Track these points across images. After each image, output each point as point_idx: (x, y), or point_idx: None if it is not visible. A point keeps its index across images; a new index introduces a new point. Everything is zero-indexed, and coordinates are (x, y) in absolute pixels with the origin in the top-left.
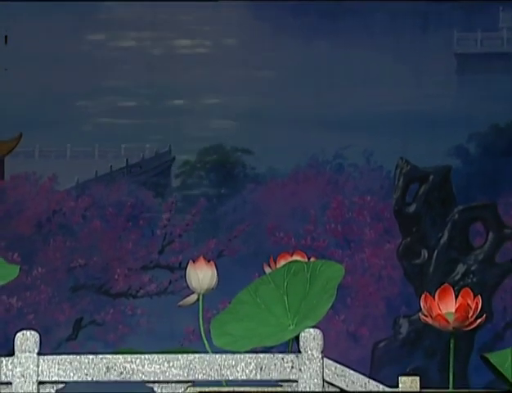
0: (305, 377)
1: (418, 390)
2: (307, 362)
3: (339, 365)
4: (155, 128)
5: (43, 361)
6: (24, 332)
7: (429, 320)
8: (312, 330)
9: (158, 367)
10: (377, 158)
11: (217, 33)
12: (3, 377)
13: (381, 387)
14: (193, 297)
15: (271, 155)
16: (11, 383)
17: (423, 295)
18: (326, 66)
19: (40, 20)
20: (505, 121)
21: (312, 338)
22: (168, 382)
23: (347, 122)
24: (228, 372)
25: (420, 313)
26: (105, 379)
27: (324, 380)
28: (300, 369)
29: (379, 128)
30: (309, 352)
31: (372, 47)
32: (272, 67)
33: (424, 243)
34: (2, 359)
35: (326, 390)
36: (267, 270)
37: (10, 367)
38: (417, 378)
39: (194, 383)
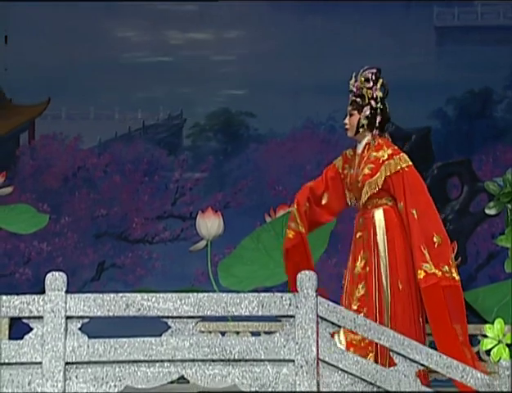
0: (301, 313)
1: None
2: (303, 300)
3: (331, 303)
4: (169, 93)
5: (70, 298)
6: (54, 273)
7: None
8: (307, 272)
9: (171, 304)
10: None
11: (223, 11)
12: (35, 312)
13: (368, 322)
14: (202, 243)
15: (272, 118)
16: (42, 317)
17: None
18: (319, 39)
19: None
20: (479, 87)
21: (307, 279)
22: (180, 318)
23: (338, 88)
24: (233, 309)
25: None
26: (125, 315)
27: (318, 315)
28: (297, 306)
29: None
30: (305, 291)
31: (360, 21)
32: (272, 40)
33: None
34: (34, 296)
35: (320, 324)
36: (268, 219)
37: (41, 303)
38: None
39: (203, 318)
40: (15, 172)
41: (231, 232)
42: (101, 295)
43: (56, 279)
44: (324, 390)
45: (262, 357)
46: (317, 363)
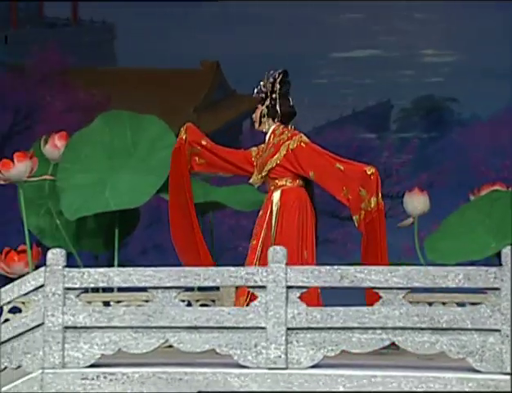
0: (506, 285)
1: None
2: (508, 273)
3: None
4: (377, 82)
5: (290, 270)
6: (275, 247)
7: None
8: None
9: (382, 276)
10: None
11: (424, 7)
12: (259, 282)
13: None
14: (409, 220)
15: (473, 103)
16: (265, 287)
17: None
18: None
19: None
20: None
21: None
22: (390, 289)
23: None
24: (441, 282)
25: None
26: (339, 285)
27: None
28: (502, 279)
29: None
30: (510, 265)
31: None
32: (469, 31)
33: None
34: (259, 268)
35: None
36: (471, 198)
37: (264, 274)
38: None
39: (411, 289)
40: None
41: (435, 209)
42: (318, 268)
43: (277, 253)
44: None
45: (469, 326)
46: None
